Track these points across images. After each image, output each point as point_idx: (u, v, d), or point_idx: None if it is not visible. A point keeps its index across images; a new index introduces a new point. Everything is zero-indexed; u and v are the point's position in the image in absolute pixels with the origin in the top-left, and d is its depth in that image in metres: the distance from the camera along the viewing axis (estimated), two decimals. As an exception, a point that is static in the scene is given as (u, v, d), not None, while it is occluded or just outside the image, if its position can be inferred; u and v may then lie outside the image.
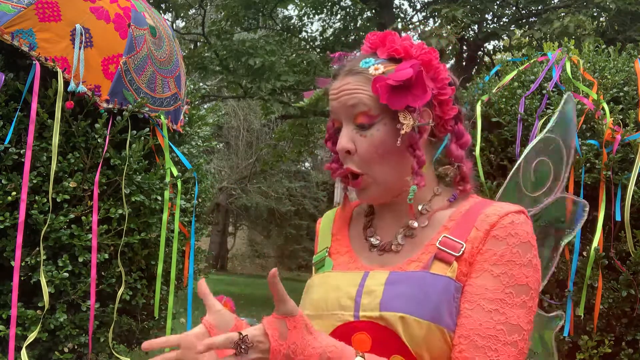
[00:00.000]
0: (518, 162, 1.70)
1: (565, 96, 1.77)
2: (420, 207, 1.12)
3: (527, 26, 10.24)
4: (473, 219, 1.06)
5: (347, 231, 1.22)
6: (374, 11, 10.99)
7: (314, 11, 12.01)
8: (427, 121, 1.09)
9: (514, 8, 10.42)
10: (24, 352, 2.30)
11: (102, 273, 2.68)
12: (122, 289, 2.64)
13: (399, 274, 1.05)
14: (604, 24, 9.74)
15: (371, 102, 1.07)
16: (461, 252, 1.03)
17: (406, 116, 1.05)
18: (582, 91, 2.76)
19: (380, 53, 1.11)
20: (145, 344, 1.01)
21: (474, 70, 10.10)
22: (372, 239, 1.15)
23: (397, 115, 1.06)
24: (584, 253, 2.56)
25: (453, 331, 0.99)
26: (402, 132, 1.05)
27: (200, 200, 3.40)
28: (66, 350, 2.59)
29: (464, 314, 1.00)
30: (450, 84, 1.11)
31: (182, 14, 12.51)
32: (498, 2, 10.27)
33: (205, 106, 9.46)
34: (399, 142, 1.06)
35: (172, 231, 2.86)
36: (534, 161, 1.69)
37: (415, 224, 1.11)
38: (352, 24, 11.57)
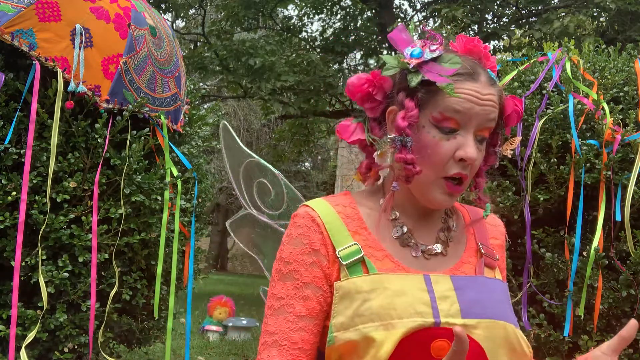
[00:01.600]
0: None
1: None
2: (446, 210, 1.16)
3: (527, 26, 10.25)
4: (483, 228, 1.18)
5: (369, 231, 1.09)
6: (374, 11, 10.99)
7: (314, 11, 12.02)
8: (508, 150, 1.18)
9: (514, 8, 10.42)
10: (23, 352, 2.30)
11: (102, 273, 2.68)
12: (115, 288, 2.63)
13: (461, 278, 1.06)
14: (604, 24, 9.74)
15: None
16: (497, 258, 1.15)
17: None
18: (582, 91, 2.75)
19: (485, 66, 1.08)
20: None
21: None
22: (417, 244, 1.10)
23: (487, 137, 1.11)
24: (584, 253, 2.56)
25: (517, 326, 1.05)
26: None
27: (200, 200, 3.40)
28: (66, 350, 2.59)
29: None
30: None
31: (182, 14, 12.50)
32: (498, 2, 10.28)
33: (205, 106, 9.46)
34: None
35: (172, 231, 2.85)
36: None
37: (454, 226, 1.15)
38: (352, 24, 11.57)
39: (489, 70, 1.08)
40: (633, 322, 0.95)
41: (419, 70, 1.05)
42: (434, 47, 1.06)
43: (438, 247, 1.10)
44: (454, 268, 1.09)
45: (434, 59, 1.05)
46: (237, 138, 1.77)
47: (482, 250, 1.12)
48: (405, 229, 1.09)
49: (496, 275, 1.12)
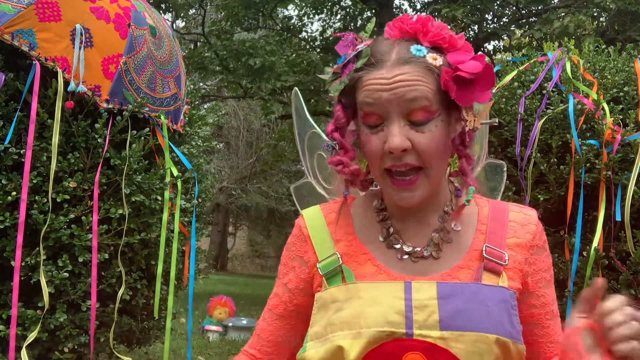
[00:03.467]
0: None
1: None
2: (445, 208, 1.06)
3: (527, 26, 10.25)
4: (502, 227, 1.06)
5: (355, 235, 1.08)
6: (374, 11, 10.99)
7: (314, 11, 12.03)
8: (490, 120, 1.05)
9: (514, 8, 10.42)
10: (24, 352, 2.30)
11: (102, 273, 2.68)
12: (122, 289, 2.64)
13: (449, 285, 0.98)
14: (604, 24, 9.75)
15: (433, 96, 0.96)
16: (506, 261, 1.02)
17: (467, 113, 0.99)
18: (582, 91, 2.76)
19: (423, 40, 1.00)
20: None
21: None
22: (402, 246, 1.04)
23: (450, 110, 0.99)
24: (584, 253, 2.56)
25: (516, 340, 0.97)
26: (467, 129, 1.00)
27: (200, 200, 3.40)
28: (66, 350, 2.59)
29: (546, 325, 1.08)
30: None
31: (182, 14, 12.51)
32: (498, 2, 10.28)
33: (205, 106, 9.46)
34: (457, 140, 1.00)
35: (172, 231, 2.85)
36: None
37: (454, 226, 1.05)
38: (352, 24, 11.58)
39: (414, 47, 0.99)
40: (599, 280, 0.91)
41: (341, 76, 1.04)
42: (359, 46, 1.02)
43: (427, 250, 1.03)
44: (446, 273, 1.01)
45: (353, 60, 1.01)
46: (304, 106, 1.77)
47: (484, 253, 1.02)
48: (391, 230, 1.06)
49: (500, 281, 1.00)
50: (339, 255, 1.05)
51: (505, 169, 1.69)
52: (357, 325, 0.95)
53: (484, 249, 1.02)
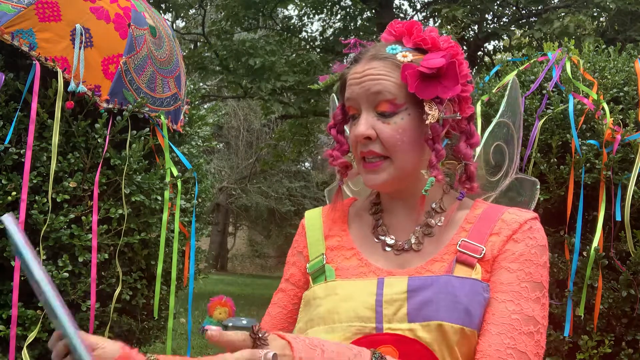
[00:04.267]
0: (478, 149, 1.62)
1: (510, 81, 1.78)
2: (433, 205, 1.10)
3: (527, 26, 10.25)
4: (489, 224, 1.06)
5: (348, 231, 1.15)
6: (374, 11, 10.99)
7: (314, 11, 12.02)
8: (452, 114, 1.05)
9: (514, 8, 10.43)
10: (25, 351, 2.30)
11: (102, 273, 2.68)
12: (119, 289, 2.64)
13: (419, 279, 1.00)
14: (604, 24, 9.75)
15: (397, 90, 1.02)
16: (482, 254, 1.03)
17: (432, 107, 1.02)
18: (582, 91, 2.76)
19: (406, 42, 1.07)
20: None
21: (474, 70, 10.11)
22: (386, 238, 1.10)
23: (422, 105, 1.03)
24: (584, 253, 2.56)
25: None
26: (427, 122, 1.01)
27: (200, 200, 3.40)
28: (66, 350, 2.58)
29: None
30: (469, 82, 1.08)
31: (182, 14, 12.51)
32: (498, 2, 10.28)
33: (205, 106, 9.46)
34: (429, 133, 1.03)
35: (172, 231, 2.86)
36: (491, 147, 1.65)
37: (438, 222, 1.09)
38: (352, 24, 11.57)
39: (390, 46, 1.06)
40: None
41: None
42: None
43: (407, 243, 1.08)
44: (421, 266, 1.04)
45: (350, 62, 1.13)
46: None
47: (458, 247, 1.04)
48: (380, 222, 1.12)
49: (474, 274, 1.01)
50: (324, 256, 1.12)
51: (538, 186, 1.67)
52: (331, 320, 1.00)
53: (459, 242, 1.05)
